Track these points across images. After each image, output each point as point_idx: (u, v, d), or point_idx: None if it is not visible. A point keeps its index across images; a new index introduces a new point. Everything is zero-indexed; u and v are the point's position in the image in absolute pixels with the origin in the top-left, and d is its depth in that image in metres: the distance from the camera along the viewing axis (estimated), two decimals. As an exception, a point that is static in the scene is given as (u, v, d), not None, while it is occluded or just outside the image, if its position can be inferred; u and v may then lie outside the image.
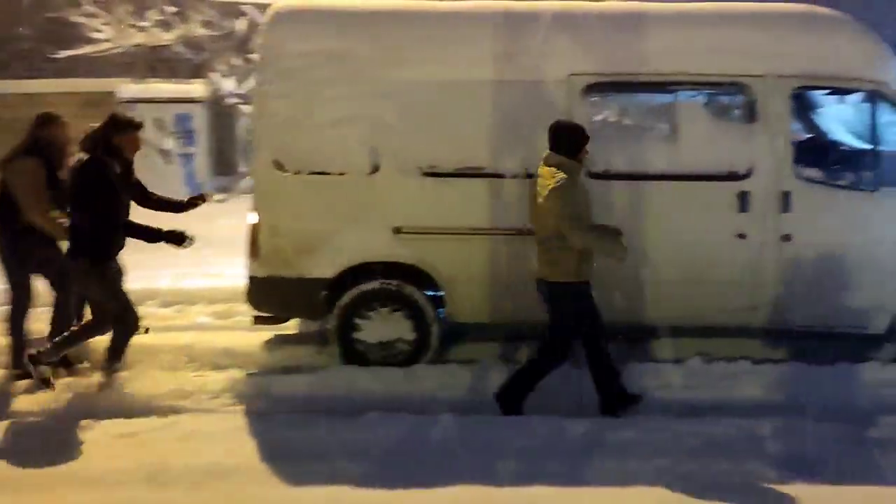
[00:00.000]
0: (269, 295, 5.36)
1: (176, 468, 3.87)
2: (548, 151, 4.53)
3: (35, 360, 4.87)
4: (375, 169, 5.17)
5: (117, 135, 4.91)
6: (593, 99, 5.21)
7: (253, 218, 5.26)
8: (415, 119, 5.15)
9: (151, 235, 4.97)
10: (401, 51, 5.19)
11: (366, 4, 5.50)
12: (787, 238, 5.09)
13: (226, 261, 7.53)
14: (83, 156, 4.82)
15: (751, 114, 5.17)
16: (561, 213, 4.30)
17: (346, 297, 5.26)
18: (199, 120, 14.85)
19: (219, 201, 8.49)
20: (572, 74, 5.11)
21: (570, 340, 4.60)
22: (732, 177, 5.12)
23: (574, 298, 4.49)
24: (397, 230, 5.18)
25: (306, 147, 5.18)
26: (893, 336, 5.28)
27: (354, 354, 5.31)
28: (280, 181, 5.19)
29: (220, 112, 14.99)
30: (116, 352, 5.04)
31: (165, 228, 5.01)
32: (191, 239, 5.05)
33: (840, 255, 5.03)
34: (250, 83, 14.53)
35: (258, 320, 5.56)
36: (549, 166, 4.44)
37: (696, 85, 5.29)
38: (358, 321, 5.30)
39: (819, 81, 5.35)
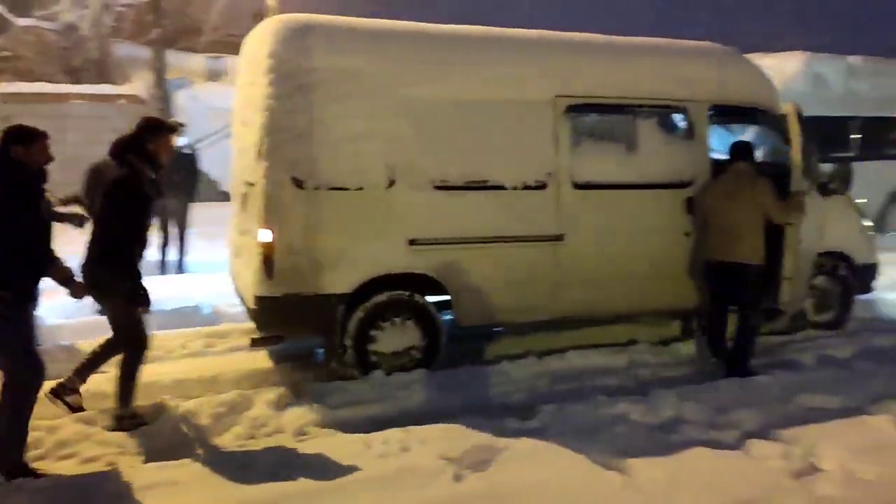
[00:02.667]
0: (284, 314, 5.18)
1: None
2: (739, 162, 5.75)
3: (59, 392, 4.66)
4: (391, 183, 5.28)
5: (152, 139, 4.61)
6: (574, 116, 5.78)
7: (265, 235, 5.05)
8: (426, 135, 5.34)
9: None
10: (414, 70, 5.37)
11: (379, 23, 5.58)
12: None
13: None
14: (110, 162, 4.67)
15: (689, 132, 6.15)
16: (775, 203, 5.60)
17: (363, 310, 5.32)
18: None
19: None
20: (556, 95, 5.68)
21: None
22: (681, 185, 6.05)
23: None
24: (412, 242, 5.34)
25: (324, 163, 5.12)
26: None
27: (369, 365, 5.39)
28: (297, 197, 5.07)
29: None
30: (129, 388, 4.61)
31: None
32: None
33: None
34: None
35: (256, 342, 5.40)
36: (741, 170, 5.72)
37: (651, 108, 6.06)
38: (373, 333, 5.39)
39: (732, 104, 6.34)
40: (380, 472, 3.81)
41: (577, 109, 5.79)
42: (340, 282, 5.22)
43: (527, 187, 5.61)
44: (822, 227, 6.53)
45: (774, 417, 4.62)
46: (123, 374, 4.61)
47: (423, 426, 4.39)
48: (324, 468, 3.86)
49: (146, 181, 4.53)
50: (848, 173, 6.72)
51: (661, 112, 6.19)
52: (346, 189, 5.18)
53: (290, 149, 5.05)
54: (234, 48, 7.24)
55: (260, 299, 5.12)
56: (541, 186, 5.66)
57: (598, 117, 6.02)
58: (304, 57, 5.10)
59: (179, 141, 8.03)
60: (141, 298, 4.54)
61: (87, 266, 4.58)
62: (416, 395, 5.14)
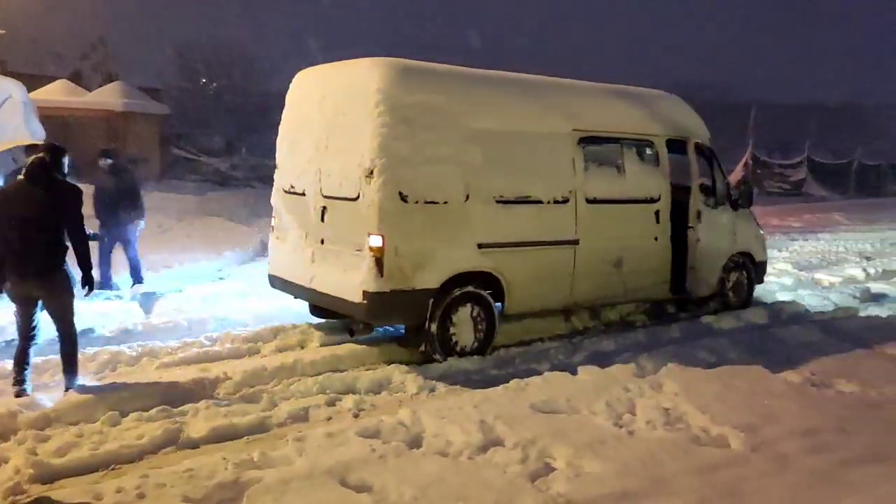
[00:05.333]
0: (390, 306, 6.28)
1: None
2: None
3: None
4: (467, 198, 6.57)
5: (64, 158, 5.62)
6: (585, 146, 7.43)
7: (376, 241, 6.10)
8: (489, 159, 6.67)
9: None
10: (477, 107, 6.72)
11: (453, 68, 6.96)
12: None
13: None
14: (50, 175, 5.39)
15: (656, 160, 8.06)
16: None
17: (445, 301, 6.50)
18: None
19: None
20: (573, 129, 7.36)
21: None
22: (652, 201, 7.97)
23: None
24: (480, 245, 6.65)
25: (422, 181, 6.30)
26: (715, 296, 8.79)
27: (448, 347, 6.62)
28: (402, 209, 6.20)
29: None
30: (75, 364, 5.58)
31: None
32: None
33: (698, 248, 8.39)
34: None
35: (354, 332, 6.68)
36: None
37: (631, 140, 7.90)
38: (452, 321, 6.61)
39: (680, 138, 8.37)
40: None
41: (586, 140, 7.45)
42: (431, 278, 6.38)
43: (556, 202, 7.17)
44: (735, 233, 8.86)
45: (513, 424, 4.89)
46: (73, 361, 5.56)
47: (162, 468, 4.09)
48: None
49: None
50: (750, 192, 9.03)
51: (637, 144, 8.00)
52: (437, 203, 6.41)
53: (397, 169, 6.16)
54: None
55: (371, 294, 6.15)
56: (565, 201, 7.24)
57: (599, 146, 7.65)
58: (405, 93, 6.26)
59: None
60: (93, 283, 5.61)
61: (45, 267, 5.33)
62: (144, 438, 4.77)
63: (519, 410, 5.12)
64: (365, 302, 6.18)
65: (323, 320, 7.59)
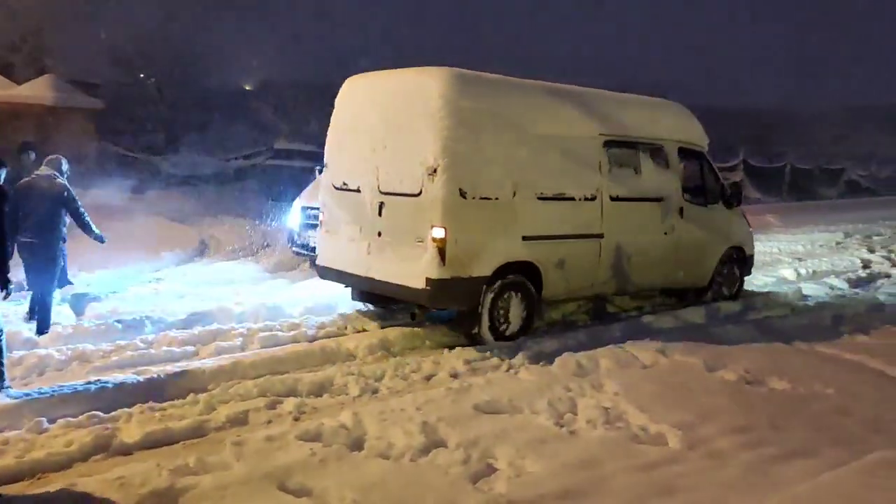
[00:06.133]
0: (450, 292, 6.84)
1: None
2: None
3: None
4: (514, 195, 7.19)
5: None
6: (609, 149, 8.11)
7: (438, 233, 6.67)
8: (533, 159, 7.33)
9: None
10: (524, 112, 7.38)
11: (502, 77, 7.54)
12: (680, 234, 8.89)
13: None
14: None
15: (666, 163, 8.77)
16: None
17: (494, 288, 7.15)
18: None
19: None
20: (600, 134, 8.04)
21: None
22: (661, 199, 8.68)
23: None
24: (525, 237, 7.29)
25: (478, 178, 6.90)
26: (711, 287, 9.55)
27: (496, 331, 7.26)
28: (462, 204, 6.80)
29: None
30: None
31: None
32: None
33: (698, 242, 9.13)
34: None
35: (415, 316, 7.30)
36: None
37: (646, 145, 8.57)
38: (500, 306, 7.25)
39: (686, 145, 9.14)
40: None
41: (610, 144, 8.13)
42: (484, 267, 7.00)
43: (585, 199, 7.83)
44: (730, 229, 9.67)
45: (456, 425, 4.89)
46: None
47: (91, 476, 3.94)
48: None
49: None
50: (740, 192, 9.86)
51: (651, 147, 8.63)
52: (489, 199, 7.01)
53: (457, 168, 6.75)
54: None
55: (434, 281, 6.72)
56: (592, 198, 7.89)
57: (620, 150, 8.28)
58: (464, 99, 6.85)
59: None
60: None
61: None
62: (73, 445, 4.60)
63: (462, 411, 5.13)
64: (428, 288, 6.74)
65: (338, 314, 8.07)
